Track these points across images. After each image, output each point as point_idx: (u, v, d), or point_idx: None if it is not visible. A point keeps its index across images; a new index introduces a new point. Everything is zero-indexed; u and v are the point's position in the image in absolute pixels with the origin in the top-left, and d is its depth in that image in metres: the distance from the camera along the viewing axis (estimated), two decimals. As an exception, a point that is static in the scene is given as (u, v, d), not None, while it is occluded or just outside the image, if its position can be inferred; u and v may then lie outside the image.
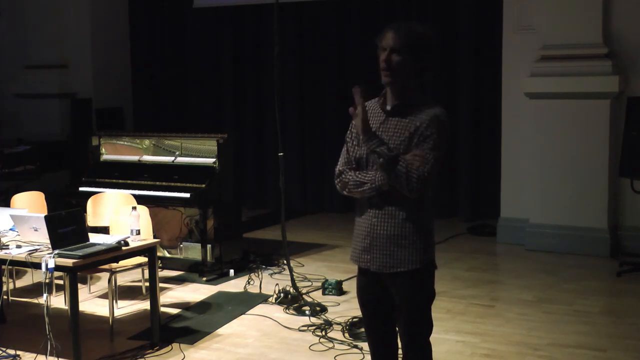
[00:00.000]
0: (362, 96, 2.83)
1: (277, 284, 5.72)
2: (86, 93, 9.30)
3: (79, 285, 4.72)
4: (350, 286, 5.90)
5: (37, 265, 4.19)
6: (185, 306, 5.51)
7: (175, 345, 4.69)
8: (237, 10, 9.38)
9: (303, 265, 6.57)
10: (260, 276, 6.15)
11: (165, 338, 4.76)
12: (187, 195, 6.10)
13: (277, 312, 5.33)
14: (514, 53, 7.23)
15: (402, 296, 2.93)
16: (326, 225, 8.38)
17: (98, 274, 5.78)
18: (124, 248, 4.48)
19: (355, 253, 3.01)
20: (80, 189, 6.52)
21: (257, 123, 9.38)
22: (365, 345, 4.58)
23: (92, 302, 5.58)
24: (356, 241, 3.01)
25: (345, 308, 5.37)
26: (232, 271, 6.31)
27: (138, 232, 4.65)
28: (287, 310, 5.33)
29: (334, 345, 4.65)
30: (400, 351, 3.07)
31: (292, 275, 5.68)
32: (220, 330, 4.99)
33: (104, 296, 5.68)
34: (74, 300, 4.26)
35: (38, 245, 4.40)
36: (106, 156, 6.83)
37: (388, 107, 2.92)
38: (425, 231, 2.91)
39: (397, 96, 2.90)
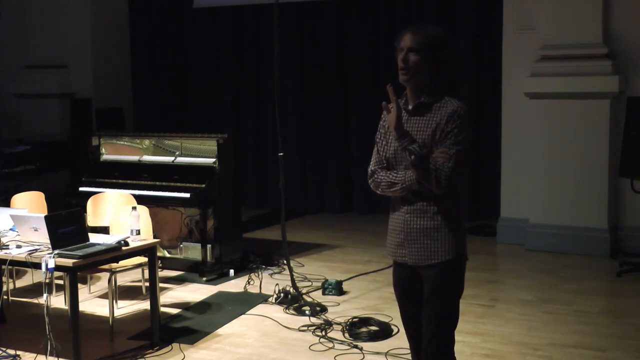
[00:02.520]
0: (395, 94, 2.91)
1: (277, 284, 5.72)
2: (86, 93, 9.30)
3: (79, 285, 4.72)
4: (350, 286, 5.90)
5: (37, 265, 4.19)
6: (185, 306, 5.51)
7: (175, 345, 4.69)
8: (237, 10, 9.38)
9: (303, 265, 6.57)
10: (260, 276, 6.15)
11: (165, 338, 4.76)
12: (187, 195, 6.10)
13: (277, 312, 5.33)
14: (514, 53, 7.23)
15: (433, 287, 3.00)
16: (326, 225, 8.38)
17: (98, 274, 5.78)
18: (124, 248, 4.48)
19: (391, 248, 3.11)
20: (80, 189, 6.52)
21: (257, 123, 9.38)
22: (365, 345, 4.60)
23: (92, 302, 5.58)
24: (391, 237, 3.10)
25: (345, 308, 5.38)
26: (232, 271, 6.31)
27: (138, 232, 4.65)
28: (287, 310, 5.33)
29: (334, 345, 4.65)
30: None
31: (292, 275, 5.68)
32: (220, 330, 4.99)
33: (104, 296, 5.68)
34: (74, 300, 4.26)
35: (38, 245, 4.40)
36: (106, 156, 6.83)
37: (410, 107, 3.01)
38: (456, 223, 3.01)
39: (417, 96, 2.99)
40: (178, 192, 6.18)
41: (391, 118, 2.93)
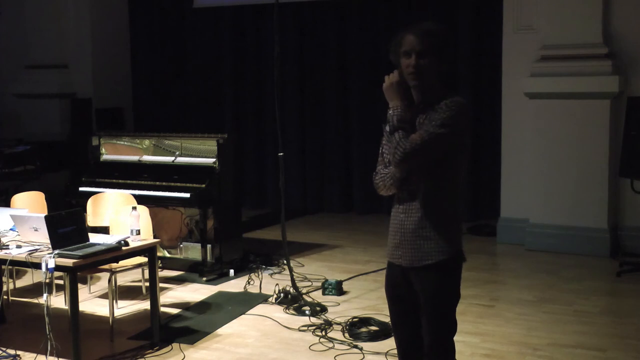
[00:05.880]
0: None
1: (277, 284, 5.72)
2: (86, 93, 9.30)
3: (79, 285, 4.72)
4: (350, 286, 5.90)
5: (37, 265, 4.19)
6: (185, 306, 5.51)
7: (175, 345, 4.69)
8: (237, 10, 9.38)
9: (303, 265, 6.57)
10: (260, 276, 6.15)
11: (165, 338, 4.76)
12: (187, 195, 6.10)
13: (277, 312, 5.33)
14: (514, 53, 7.23)
15: (428, 291, 2.95)
16: (326, 225, 8.38)
17: (98, 274, 5.78)
18: (124, 248, 4.48)
19: (389, 249, 3.07)
20: (80, 189, 6.52)
21: (257, 123, 9.38)
22: (365, 345, 4.60)
23: (92, 302, 5.58)
24: (389, 238, 3.07)
25: (345, 308, 5.37)
26: (232, 271, 6.31)
27: (138, 232, 4.65)
28: (287, 310, 5.33)
29: (334, 345, 4.65)
30: None
31: (292, 275, 5.68)
32: (220, 330, 4.99)
33: (104, 296, 5.68)
34: (74, 300, 4.26)
35: (38, 245, 4.40)
36: (106, 156, 6.83)
37: (413, 107, 2.97)
38: (450, 222, 2.97)
39: (423, 95, 2.95)
40: (178, 192, 6.18)
41: (386, 84, 2.90)
